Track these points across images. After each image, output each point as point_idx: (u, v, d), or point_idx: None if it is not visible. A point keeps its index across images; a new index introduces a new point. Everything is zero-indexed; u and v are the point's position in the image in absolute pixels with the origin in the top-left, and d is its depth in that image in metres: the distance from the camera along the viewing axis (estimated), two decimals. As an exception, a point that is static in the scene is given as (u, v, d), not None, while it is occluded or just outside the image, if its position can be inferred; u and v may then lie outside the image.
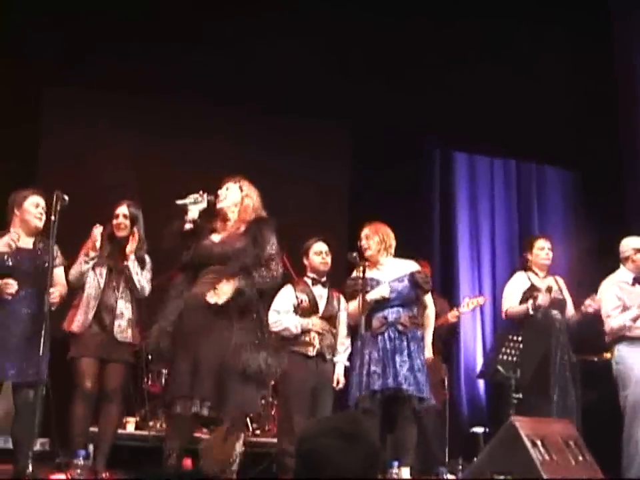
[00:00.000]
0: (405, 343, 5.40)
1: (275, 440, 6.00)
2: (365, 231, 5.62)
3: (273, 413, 6.15)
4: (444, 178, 8.90)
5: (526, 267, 6.26)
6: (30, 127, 7.27)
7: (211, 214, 4.68)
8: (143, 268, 5.28)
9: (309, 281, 5.75)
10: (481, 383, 8.34)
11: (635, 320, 5.80)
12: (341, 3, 7.36)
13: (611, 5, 7.91)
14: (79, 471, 4.49)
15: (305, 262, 5.79)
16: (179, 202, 4.62)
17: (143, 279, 5.25)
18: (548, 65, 7.73)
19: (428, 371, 5.52)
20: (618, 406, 5.80)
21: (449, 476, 6.11)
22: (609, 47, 7.94)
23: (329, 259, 5.76)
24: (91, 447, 5.43)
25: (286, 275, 5.50)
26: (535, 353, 5.72)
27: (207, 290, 4.37)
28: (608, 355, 6.17)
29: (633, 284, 5.96)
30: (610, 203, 7.97)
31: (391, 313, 5.44)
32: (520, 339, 5.55)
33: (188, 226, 4.57)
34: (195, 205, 4.61)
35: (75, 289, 5.20)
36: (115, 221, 5.29)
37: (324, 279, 5.78)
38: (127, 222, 5.28)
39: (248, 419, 5.54)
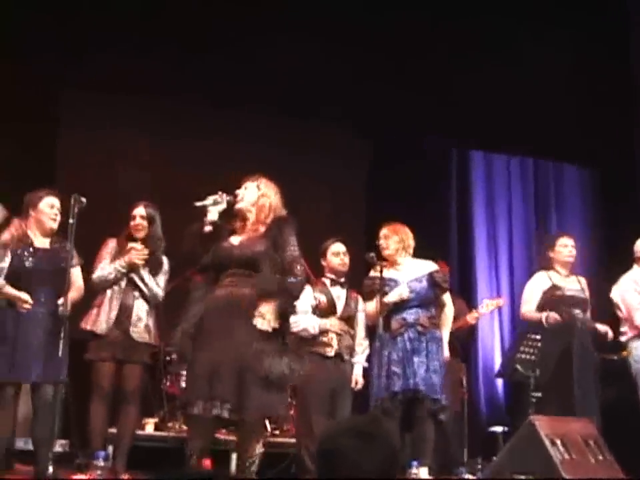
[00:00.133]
0: (424, 344, 5.38)
1: (293, 440, 6.01)
2: (384, 231, 5.60)
3: (291, 413, 6.14)
4: (460, 177, 8.87)
5: (547, 266, 6.21)
6: (48, 129, 7.31)
7: (231, 214, 4.58)
8: (158, 272, 5.29)
9: (327, 282, 5.74)
10: (499, 382, 8.31)
11: None
12: (360, 6, 7.34)
13: (629, 2, 7.88)
14: (98, 472, 4.51)
15: (323, 263, 5.77)
16: (198, 204, 4.48)
17: (154, 285, 5.26)
18: (565, 62, 7.69)
19: (446, 371, 5.51)
20: (638, 404, 5.77)
21: (468, 476, 6.10)
22: (626, 44, 7.90)
23: (347, 260, 5.75)
24: (110, 448, 5.46)
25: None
26: (554, 352, 5.70)
27: (228, 293, 4.34)
28: (626, 353, 6.14)
29: None
30: (627, 201, 7.93)
31: (410, 314, 5.43)
32: (539, 337, 5.54)
33: (207, 228, 4.44)
34: (214, 207, 4.47)
35: (98, 290, 5.22)
36: (132, 222, 5.31)
37: (342, 280, 5.77)
38: (145, 223, 5.29)
39: (267, 420, 5.51)
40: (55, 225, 5.01)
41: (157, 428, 6.40)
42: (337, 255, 5.73)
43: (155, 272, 5.29)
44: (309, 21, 7.25)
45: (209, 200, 4.47)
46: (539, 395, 5.37)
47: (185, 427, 5.91)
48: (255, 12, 7.15)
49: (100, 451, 4.79)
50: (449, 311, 5.67)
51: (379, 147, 8.36)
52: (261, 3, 7.18)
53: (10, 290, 4.81)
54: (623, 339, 6.04)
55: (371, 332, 5.70)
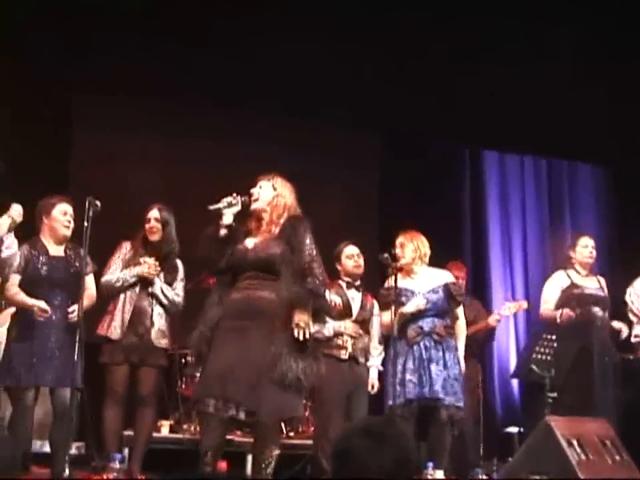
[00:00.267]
0: (441, 353, 5.36)
1: (309, 442, 6.01)
2: (400, 239, 5.56)
3: (306, 414, 6.15)
4: (474, 177, 8.85)
5: (567, 266, 6.21)
6: (61, 132, 7.34)
7: (245, 215, 4.52)
8: (174, 277, 5.31)
9: (343, 284, 5.74)
10: (514, 383, 8.29)
11: None
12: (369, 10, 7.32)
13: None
14: (114, 474, 4.52)
15: (338, 267, 5.76)
16: (212, 207, 4.42)
17: (173, 295, 5.29)
18: (578, 60, 7.66)
19: (464, 377, 5.48)
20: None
21: (484, 477, 6.08)
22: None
23: (361, 261, 5.74)
24: (126, 451, 5.48)
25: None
26: (571, 351, 5.68)
27: (245, 296, 4.30)
28: (640, 355, 6.14)
29: None
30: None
31: (426, 323, 5.40)
32: (554, 337, 5.52)
33: (223, 232, 4.39)
34: (229, 209, 4.41)
35: (106, 297, 5.23)
36: (147, 225, 5.33)
37: (357, 283, 5.76)
38: (159, 225, 5.32)
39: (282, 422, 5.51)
40: (68, 232, 5.01)
41: (172, 430, 6.41)
42: (350, 257, 5.73)
43: (170, 277, 5.30)
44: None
45: (223, 202, 4.42)
46: (555, 395, 5.35)
47: (199, 429, 5.92)
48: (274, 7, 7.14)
49: (116, 453, 4.81)
50: (462, 323, 5.64)
51: (390, 147, 8.35)
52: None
53: (25, 298, 4.82)
54: (634, 340, 6.03)
55: (385, 340, 5.69)
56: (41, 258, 4.91)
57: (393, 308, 5.21)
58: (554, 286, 6.14)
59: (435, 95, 7.77)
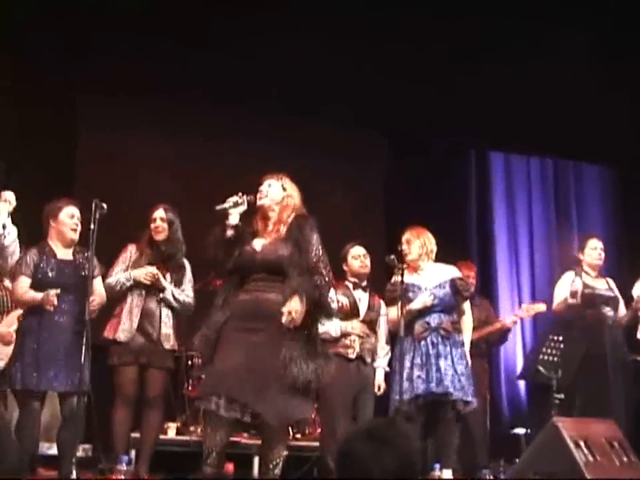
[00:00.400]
0: (449, 348, 5.35)
1: (316, 443, 6.01)
2: (406, 236, 5.56)
3: (313, 416, 6.14)
4: (480, 178, 8.84)
5: (576, 267, 6.21)
6: (66, 134, 7.35)
7: (251, 213, 4.48)
8: (181, 277, 5.32)
9: (350, 285, 5.74)
10: (521, 384, 8.28)
11: None
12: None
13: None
14: (122, 476, 4.53)
15: (345, 268, 5.76)
16: (219, 207, 4.39)
17: (183, 297, 5.30)
18: (583, 60, 7.64)
19: (474, 377, 5.47)
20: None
21: (491, 478, 6.07)
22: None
23: (367, 262, 5.75)
24: (133, 453, 5.48)
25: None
26: (577, 353, 5.67)
27: (253, 298, 4.27)
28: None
29: None
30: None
31: (433, 319, 5.40)
32: (561, 338, 5.51)
33: (230, 233, 4.36)
34: (235, 209, 4.38)
35: (110, 300, 5.24)
36: (152, 225, 5.34)
37: (364, 283, 5.76)
38: (165, 225, 5.33)
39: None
40: (75, 236, 5.00)
41: (178, 432, 6.42)
42: (357, 257, 5.73)
43: (177, 276, 5.31)
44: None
45: (229, 202, 4.40)
46: (562, 396, 5.34)
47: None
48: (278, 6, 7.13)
49: (123, 455, 4.82)
50: (468, 318, 5.62)
51: (396, 148, 8.34)
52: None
53: (34, 294, 4.81)
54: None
55: (392, 337, 5.68)
56: (49, 262, 4.90)
57: (399, 303, 5.21)
58: (565, 284, 6.14)
59: (440, 95, 7.76)
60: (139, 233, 5.46)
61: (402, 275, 5.22)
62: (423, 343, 5.36)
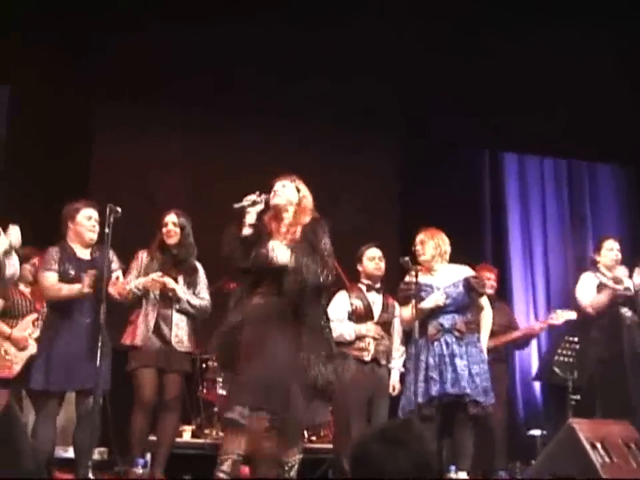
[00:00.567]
0: (464, 348, 5.31)
1: (331, 446, 6.01)
2: (420, 237, 5.55)
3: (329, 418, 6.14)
4: (494, 179, 8.82)
5: (593, 268, 6.18)
6: (81, 139, 7.38)
7: (262, 213, 4.47)
8: (195, 280, 5.32)
9: (363, 287, 5.74)
10: (536, 386, 8.24)
11: None
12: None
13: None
14: (137, 479, 4.54)
15: (359, 268, 5.78)
16: (237, 205, 4.38)
17: (199, 302, 5.31)
18: (598, 59, 7.61)
19: (493, 381, 5.42)
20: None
21: (507, 479, 6.05)
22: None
23: (382, 265, 5.75)
24: (148, 456, 5.49)
25: (339, 281, 5.46)
26: (593, 354, 5.65)
27: (270, 301, 4.26)
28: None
29: None
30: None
31: (447, 319, 5.37)
32: (576, 339, 5.49)
33: (246, 231, 4.36)
34: (252, 207, 4.38)
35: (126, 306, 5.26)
36: (164, 229, 5.35)
37: (378, 285, 5.76)
38: (177, 229, 5.34)
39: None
40: (94, 236, 5.05)
41: (194, 435, 6.43)
42: (372, 259, 5.73)
43: (190, 279, 5.32)
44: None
45: (248, 200, 4.39)
46: (578, 397, 5.32)
47: (221, 434, 5.92)
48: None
49: (139, 458, 4.83)
50: (487, 313, 5.57)
51: (410, 151, 8.34)
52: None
53: (70, 286, 4.85)
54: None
55: (406, 337, 5.68)
56: (70, 261, 4.96)
57: (413, 302, 5.19)
58: (587, 283, 6.09)
59: (454, 97, 7.75)
60: (154, 236, 5.47)
61: (416, 277, 5.21)
62: (436, 343, 5.33)
